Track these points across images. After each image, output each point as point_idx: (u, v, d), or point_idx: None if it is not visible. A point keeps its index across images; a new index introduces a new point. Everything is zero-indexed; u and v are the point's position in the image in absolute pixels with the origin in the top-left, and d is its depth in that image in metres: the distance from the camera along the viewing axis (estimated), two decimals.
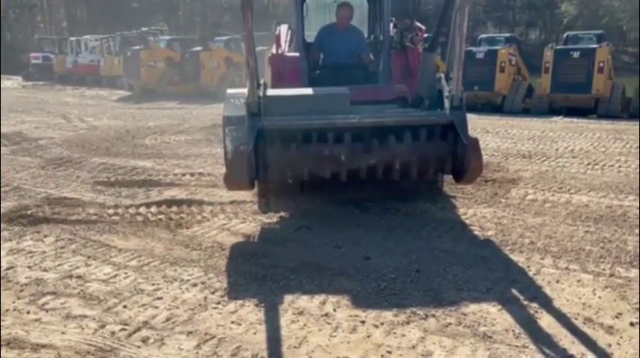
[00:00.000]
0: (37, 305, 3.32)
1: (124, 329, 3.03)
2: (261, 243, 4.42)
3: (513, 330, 3.00)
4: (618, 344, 2.87)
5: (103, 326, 3.06)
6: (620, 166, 6.99)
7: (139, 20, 38.43)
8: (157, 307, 3.29)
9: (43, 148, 8.73)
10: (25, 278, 3.73)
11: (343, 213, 4.99)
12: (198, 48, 18.83)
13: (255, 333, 3.00)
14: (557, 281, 3.60)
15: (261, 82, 4.43)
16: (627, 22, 44.68)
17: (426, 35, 6.25)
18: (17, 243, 4.39)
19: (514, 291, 3.47)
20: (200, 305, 3.32)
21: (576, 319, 3.11)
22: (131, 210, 5.23)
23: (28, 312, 3.24)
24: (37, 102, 17.14)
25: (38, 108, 14.95)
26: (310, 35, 6.28)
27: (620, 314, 3.17)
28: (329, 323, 3.09)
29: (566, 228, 4.65)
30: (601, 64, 12.47)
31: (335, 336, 2.96)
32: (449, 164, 4.48)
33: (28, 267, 3.93)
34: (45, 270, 3.86)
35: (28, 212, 5.16)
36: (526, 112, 13.31)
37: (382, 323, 3.08)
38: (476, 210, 5.14)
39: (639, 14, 30.61)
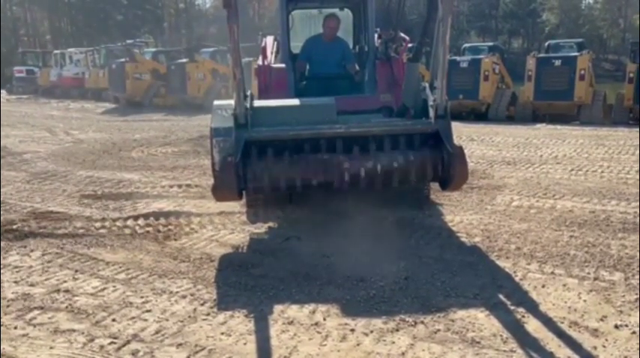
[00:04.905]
0: (24, 321, 3.29)
1: (113, 343, 3.01)
2: (250, 254, 4.43)
3: (501, 335, 3.04)
4: (604, 346, 2.92)
5: (91, 340, 3.04)
6: (602, 172, 7.11)
7: (124, 33, 38.38)
8: (146, 320, 3.28)
9: (28, 162, 8.66)
10: (12, 293, 3.69)
11: (331, 223, 5.02)
12: (184, 60, 18.83)
13: (245, 344, 3.00)
14: (543, 286, 3.65)
15: (248, 93, 4.46)
16: (607, 30, 45.55)
17: (410, 45, 6.33)
18: (3, 258, 4.35)
19: (501, 297, 3.52)
20: (189, 316, 3.31)
21: (562, 323, 3.16)
22: (118, 223, 5.20)
23: (16, 327, 3.21)
24: (22, 115, 17.00)
25: (23, 122, 14.83)
26: (296, 46, 6.33)
27: (605, 317, 3.22)
28: (319, 332, 3.11)
29: (551, 233, 4.72)
30: (582, 72, 12.69)
31: (325, 345, 2.98)
32: (435, 172, 4.53)
33: (15, 281, 3.90)
34: (32, 285, 3.83)
35: (14, 226, 5.12)
36: (510, 120, 13.48)
37: (372, 331, 3.10)
38: (462, 217, 5.20)
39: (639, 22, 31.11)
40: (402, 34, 6.18)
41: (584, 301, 3.43)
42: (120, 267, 4.12)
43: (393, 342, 2.98)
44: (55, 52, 28.50)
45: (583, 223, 4.96)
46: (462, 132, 9.93)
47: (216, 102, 4.68)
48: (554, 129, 11.60)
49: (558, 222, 5.02)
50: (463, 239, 4.64)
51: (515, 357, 2.83)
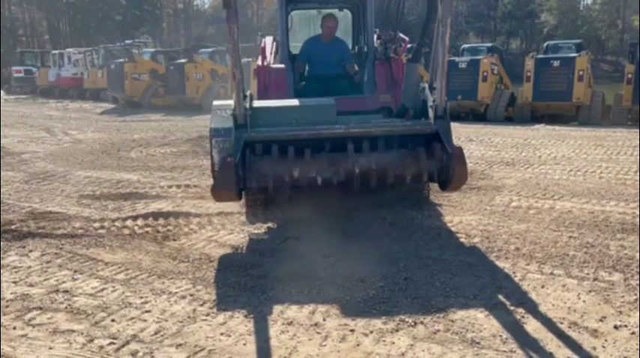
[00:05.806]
0: (23, 321, 3.28)
1: (113, 343, 3.00)
2: (249, 254, 4.42)
3: (500, 336, 3.04)
4: (603, 347, 2.92)
5: (91, 341, 3.04)
6: (601, 172, 7.12)
7: (122, 33, 38.37)
8: (145, 320, 3.27)
9: (27, 162, 8.65)
10: (11, 293, 3.68)
11: (330, 223, 5.01)
12: (182, 60, 18.84)
13: (245, 344, 3.00)
14: (543, 287, 3.66)
15: (247, 93, 4.46)
16: (605, 31, 45.65)
17: (409, 46, 6.33)
18: (2, 259, 4.34)
19: (500, 297, 3.52)
20: (189, 317, 3.31)
21: (562, 323, 3.16)
22: (117, 223, 5.20)
23: (15, 328, 3.20)
24: (20, 116, 16.98)
25: (21, 122, 14.81)
26: (295, 47, 6.34)
27: (605, 317, 3.23)
28: (319, 333, 3.10)
29: (551, 233, 4.72)
30: (581, 73, 12.73)
31: (325, 345, 2.97)
32: (434, 172, 4.53)
33: (14, 282, 3.89)
34: (31, 285, 3.82)
35: (13, 227, 5.11)
36: (509, 120, 13.52)
37: (371, 332, 3.09)
38: (462, 218, 5.20)
39: None
40: (402, 35, 6.19)
41: (584, 301, 3.43)
42: (119, 268, 4.11)
43: (393, 343, 2.98)
44: (54, 52, 28.52)
45: (582, 224, 4.97)
46: (460, 133, 9.94)
47: (215, 103, 4.68)
48: (552, 129, 11.61)
49: (557, 222, 5.03)
50: (462, 239, 4.64)
51: None
